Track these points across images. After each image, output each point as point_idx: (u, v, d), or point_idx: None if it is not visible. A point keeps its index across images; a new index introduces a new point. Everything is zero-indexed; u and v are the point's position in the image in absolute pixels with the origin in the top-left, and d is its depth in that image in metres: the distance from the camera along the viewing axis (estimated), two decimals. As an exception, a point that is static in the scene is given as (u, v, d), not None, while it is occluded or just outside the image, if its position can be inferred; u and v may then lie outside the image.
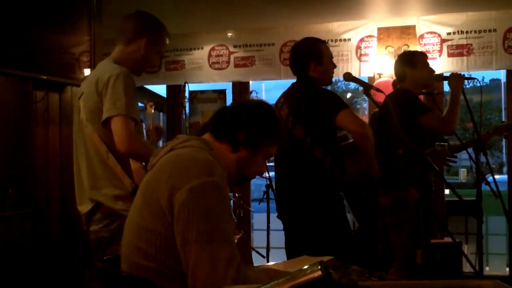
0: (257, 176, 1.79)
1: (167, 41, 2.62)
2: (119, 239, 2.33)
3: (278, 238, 4.50)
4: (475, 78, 3.48)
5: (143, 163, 2.47)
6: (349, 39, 5.57)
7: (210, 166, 1.52)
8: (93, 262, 2.42)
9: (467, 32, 5.26)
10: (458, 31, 5.28)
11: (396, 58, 3.77)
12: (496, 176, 3.54)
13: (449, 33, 5.31)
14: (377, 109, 4.80)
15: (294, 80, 3.18)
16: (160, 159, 1.62)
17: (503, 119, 17.63)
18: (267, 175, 4.56)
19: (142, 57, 2.53)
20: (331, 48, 3.20)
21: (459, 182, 17.49)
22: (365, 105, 6.01)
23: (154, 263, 1.50)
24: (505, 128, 3.71)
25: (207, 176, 1.48)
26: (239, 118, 1.67)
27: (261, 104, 1.78)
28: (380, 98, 3.61)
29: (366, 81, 4.49)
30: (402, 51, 5.07)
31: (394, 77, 3.75)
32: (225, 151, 1.66)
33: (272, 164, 3.22)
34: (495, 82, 22.42)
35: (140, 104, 3.90)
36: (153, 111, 3.15)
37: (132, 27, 2.52)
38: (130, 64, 2.51)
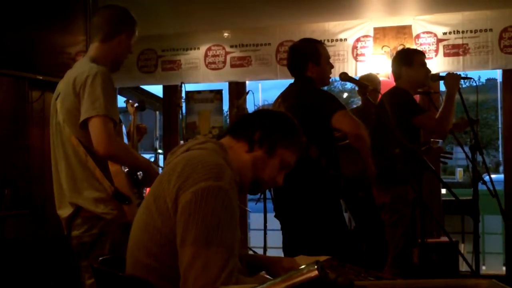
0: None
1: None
2: (102, 243, 2.32)
3: (275, 237, 4.49)
4: (471, 78, 3.48)
5: (123, 166, 2.39)
6: (345, 39, 5.57)
7: (219, 170, 1.51)
8: (76, 266, 2.41)
9: (463, 31, 5.26)
10: (454, 31, 5.29)
11: (394, 55, 3.77)
12: (493, 176, 3.54)
13: (445, 33, 5.31)
14: (357, 106, 4.81)
15: (291, 80, 3.18)
16: (176, 158, 1.63)
17: (499, 119, 17.68)
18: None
19: (121, 53, 2.49)
20: (327, 48, 3.21)
21: (456, 182, 17.50)
22: (362, 105, 5.99)
23: (157, 262, 1.50)
24: (465, 125, 3.63)
25: (214, 180, 1.47)
26: (258, 118, 1.74)
27: (282, 111, 1.91)
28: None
29: (363, 80, 4.51)
30: (398, 51, 5.07)
31: (391, 76, 3.74)
32: (241, 151, 1.68)
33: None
34: (491, 81, 22.51)
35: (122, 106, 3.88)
36: (134, 110, 3.10)
37: (108, 23, 2.46)
38: (110, 61, 2.45)
